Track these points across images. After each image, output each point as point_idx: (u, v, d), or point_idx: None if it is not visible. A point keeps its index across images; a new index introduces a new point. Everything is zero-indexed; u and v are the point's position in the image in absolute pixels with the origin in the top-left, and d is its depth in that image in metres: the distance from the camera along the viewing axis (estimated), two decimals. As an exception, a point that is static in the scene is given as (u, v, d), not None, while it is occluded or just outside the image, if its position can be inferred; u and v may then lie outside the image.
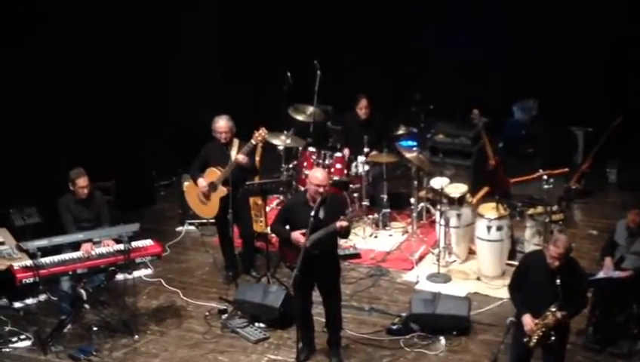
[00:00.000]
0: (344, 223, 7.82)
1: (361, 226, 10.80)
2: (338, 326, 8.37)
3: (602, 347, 8.36)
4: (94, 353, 8.50)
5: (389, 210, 10.93)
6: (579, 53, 12.25)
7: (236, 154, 9.41)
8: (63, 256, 8.64)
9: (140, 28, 11.34)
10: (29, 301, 9.35)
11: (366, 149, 10.73)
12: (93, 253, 8.73)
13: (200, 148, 9.71)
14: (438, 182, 10.16)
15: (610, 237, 8.68)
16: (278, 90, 11.80)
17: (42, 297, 9.33)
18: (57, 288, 8.96)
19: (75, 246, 8.77)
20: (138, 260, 8.93)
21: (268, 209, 10.20)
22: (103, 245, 8.86)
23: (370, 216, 10.92)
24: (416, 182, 10.55)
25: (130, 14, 11.16)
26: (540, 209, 9.72)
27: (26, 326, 8.94)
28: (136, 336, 8.79)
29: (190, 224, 11.05)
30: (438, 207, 10.06)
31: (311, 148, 11.09)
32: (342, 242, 9.63)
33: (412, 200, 10.57)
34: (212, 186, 9.55)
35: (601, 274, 8.43)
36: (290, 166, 11.25)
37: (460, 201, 10.00)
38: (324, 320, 8.43)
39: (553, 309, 7.12)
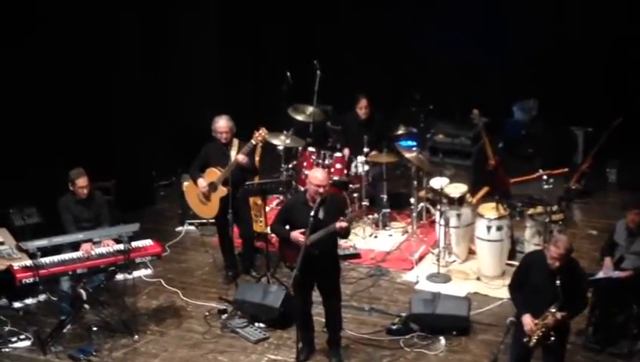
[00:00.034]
0: (344, 224, 7.82)
1: (361, 226, 10.81)
2: (338, 326, 8.37)
3: (602, 347, 8.36)
4: (94, 353, 8.50)
5: (388, 210, 10.93)
6: (579, 53, 12.25)
7: (236, 155, 9.41)
8: (62, 256, 8.63)
9: (140, 28, 11.33)
10: (29, 301, 9.35)
11: (366, 149, 10.73)
12: (93, 253, 8.73)
13: (200, 148, 9.71)
14: (437, 182, 10.16)
15: (609, 237, 8.68)
16: (277, 90, 11.79)
17: (42, 297, 9.33)
18: (57, 288, 8.95)
19: (75, 246, 8.76)
20: (138, 260, 8.93)
21: (268, 209, 10.21)
22: (102, 245, 8.85)
23: (370, 216, 10.92)
24: (416, 182, 10.55)
25: (130, 14, 11.16)
26: (539, 209, 9.72)
27: (25, 326, 8.94)
28: (136, 336, 8.79)
29: (190, 224, 11.05)
30: (438, 207, 10.06)
31: (311, 148, 11.09)
32: (342, 242, 9.63)
33: (412, 200, 10.57)
34: (212, 186, 9.55)
35: (600, 274, 8.43)
36: (290, 166, 11.25)
37: (460, 201, 10.00)
38: (324, 320, 8.43)
39: (553, 310, 7.12)
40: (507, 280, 7.98)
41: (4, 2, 9.73)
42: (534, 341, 7.21)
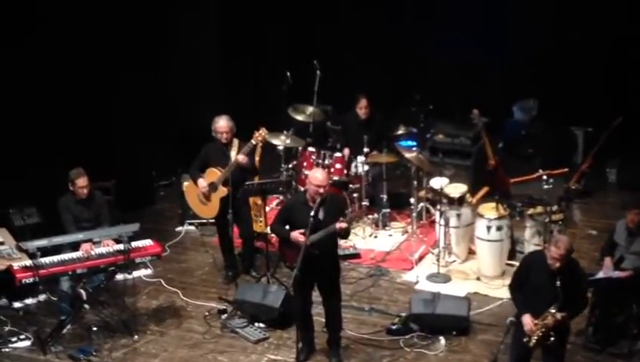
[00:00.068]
0: (343, 225, 7.82)
1: (360, 226, 10.80)
2: (338, 326, 8.37)
3: (602, 347, 8.36)
4: (94, 353, 8.51)
5: (388, 210, 10.93)
6: (579, 53, 12.25)
7: (236, 155, 9.41)
8: (62, 256, 8.64)
9: (140, 28, 11.33)
10: (29, 301, 9.36)
11: (366, 149, 10.73)
12: (92, 253, 8.73)
13: (200, 148, 9.72)
14: (437, 182, 10.16)
15: (609, 237, 8.68)
16: (277, 90, 11.79)
17: (42, 297, 9.33)
18: (57, 288, 8.95)
19: (75, 246, 8.76)
20: (138, 260, 8.93)
21: (268, 209, 10.21)
22: (102, 245, 8.85)
23: (370, 216, 10.92)
24: (415, 182, 10.55)
25: (130, 14, 11.14)
26: (539, 209, 9.71)
27: (25, 326, 8.94)
28: (136, 336, 8.79)
29: (190, 224, 11.05)
30: (438, 207, 10.06)
31: (311, 148, 11.09)
32: (342, 242, 9.62)
33: (412, 200, 10.57)
34: (212, 187, 9.55)
35: (600, 274, 8.42)
36: (290, 166, 11.25)
37: (460, 201, 10.00)
38: (324, 320, 8.43)
39: (553, 310, 7.12)
40: (507, 280, 7.98)
41: (4, 2, 9.73)
42: (534, 341, 7.21)
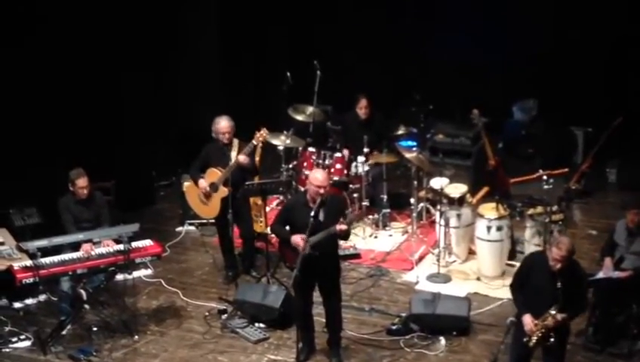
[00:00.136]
0: (344, 227, 7.81)
1: (361, 226, 10.80)
2: (338, 327, 8.37)
3: (602, 347, 8.36)
4: (94, 353, 8.50)
5: (388, 210, 10.92)
6: (579, 53, 12.25)
7: (237, 155, 9.41)
8: (62, 256, 8.64)
9: (140, 28, 11.32)
10: (29, 301, 9.36)
11: (366, 149, 10.73)
12: (93, 253, 8.73)
13: (200, 148, 9.72)
14: (437, 182, 10.16)
15: (609, 237, 8.68)
16: (277, 90, 11.78)
17: (42, 297, 9.33)
18: (57, 288, 8.95)
19: (75, 246, 8.76)
20: (138, 260, 8.93)
21: (268, 209, 10.20)
22: (102, 245, 8.85)
23: (370, 217, 10.91)
24: (416, 183, 10.54)
25: (130, 14, 11.15)
26: (539, 209, 9.71)
27: (25, 326, 8.94)
28: (136, 337, 8.79)
29: (190, 224, 11.05)
30: (438, 207, 10.06)
31: (311, 149, 11.08)
32: (342, 242, 9.60)
33: (412, 200, 10.56)
34: (213, 187, 9.55)
35: (600, 275, 8.42)
36: (290, 166, 11.24)
37: (460, 201, 10.00)
38: (324, 320, 8.43)
39: (553, 311, 7.12)
40: (507, 281, 7.98)
41: (4, 2, 9.73)
42: (534, 341, 7.21)
